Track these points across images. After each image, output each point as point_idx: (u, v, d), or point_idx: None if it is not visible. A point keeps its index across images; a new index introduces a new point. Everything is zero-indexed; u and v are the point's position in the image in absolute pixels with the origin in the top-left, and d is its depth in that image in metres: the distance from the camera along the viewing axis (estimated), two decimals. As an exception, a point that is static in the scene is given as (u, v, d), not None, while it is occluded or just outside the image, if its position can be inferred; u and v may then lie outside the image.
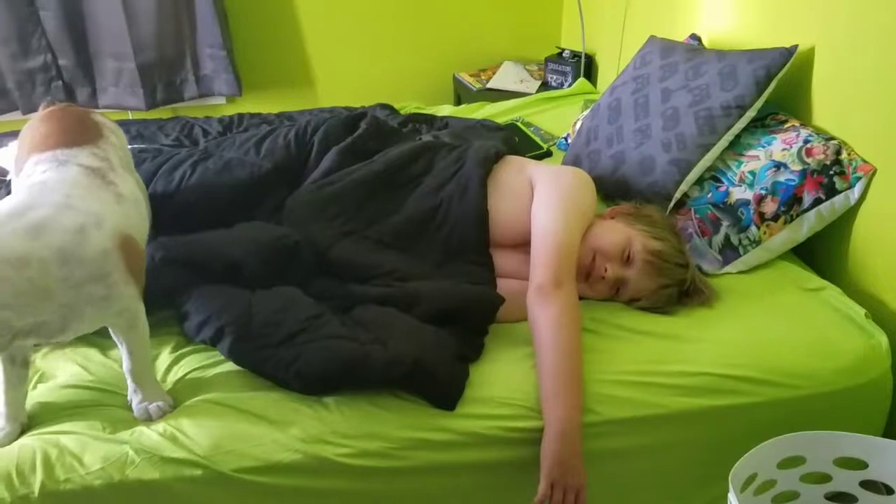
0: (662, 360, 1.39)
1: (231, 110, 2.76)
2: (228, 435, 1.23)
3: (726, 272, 1.65)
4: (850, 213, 1.60)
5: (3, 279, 1.05)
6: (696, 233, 1.67)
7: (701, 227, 1.67)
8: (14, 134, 2.01)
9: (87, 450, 1.20)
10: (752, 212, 1.62)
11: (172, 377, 1.36)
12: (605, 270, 1.51)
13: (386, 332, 1.36)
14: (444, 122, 2.29)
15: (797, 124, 1.69)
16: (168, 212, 1.59)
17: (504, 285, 1.52)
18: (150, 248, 1.45)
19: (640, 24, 2.50)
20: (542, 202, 1.56)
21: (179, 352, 1.41)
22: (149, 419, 1.27)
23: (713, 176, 1.72)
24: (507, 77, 3.04)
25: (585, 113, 2.11)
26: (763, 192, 1.62)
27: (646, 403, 1.34)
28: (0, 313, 1.05)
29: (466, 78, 3.08)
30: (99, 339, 1.38)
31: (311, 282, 1.50)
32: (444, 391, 1.31)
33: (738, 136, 1.71)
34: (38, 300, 1.08)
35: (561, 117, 2.43)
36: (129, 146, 1.59)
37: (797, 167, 1.60)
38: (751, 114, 1.69)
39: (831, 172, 1.57)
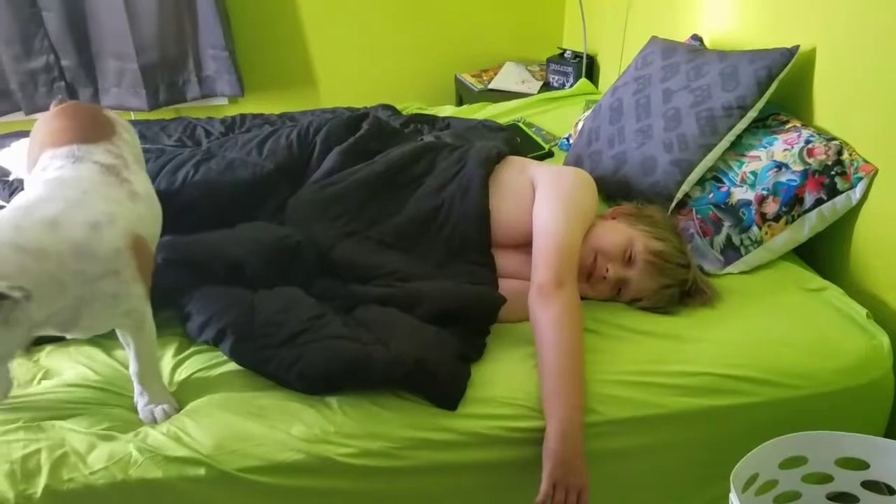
0: (664, 360, 1.39)
1: (233, 111, 2.76)
2: (231, 435, 1.24)
3: (728, 272, 1.65)
4: (852, 214, 1.61)
5: (25, 269, 1.06)
6: (697, 233, 1.67)
7: (702, 228, 1.67)
8: (17, 135, 2.02)
9: (91, 449, 1.20)
10: (753, 212, 1.62)
11: (176, 378, 1.36)
12: (607, 271, 1.51)
13: (388, 332, 1.37)
14: (446, 122, 2.29)
15: (798, 125, 1.70)
16: (171, 211, 1.58)
17: (506, 285, 1.52)
18: (152, 248, 1.46)
19: (642, 24, 2.50)
20: (543, 202, 1.56)
21: (182, 353, 1.42)
22: (154, 422, 1.27)
23: (715, 176, 1.72)
24: (508, 77, 3.04)
25: (587, 113, 2.11)
26: (764, 192, 1.62)
27: (647, 403, 1.34)
28: (24, 303, 1.05)
29: (468, 78, 3.08)
30: (104, 339, 1.39)
31: (312, 282, 1.50)
32: (446, 391, 1.31)
33: (739, 137, 1.71)
34: (54, 292, 1.09)
35: (562, 118, 2.43)
36: (133, 146, 1.60)
37: (798, 167, 1.60)
38: (752, 114, 1.69)
39: (833, 173, 1.58)
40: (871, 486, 1.33)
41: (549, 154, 2.21)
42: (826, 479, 1.34)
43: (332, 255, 1.53)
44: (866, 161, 1.57)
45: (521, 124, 2.37)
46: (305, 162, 1.73)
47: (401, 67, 3.16)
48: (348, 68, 3.12)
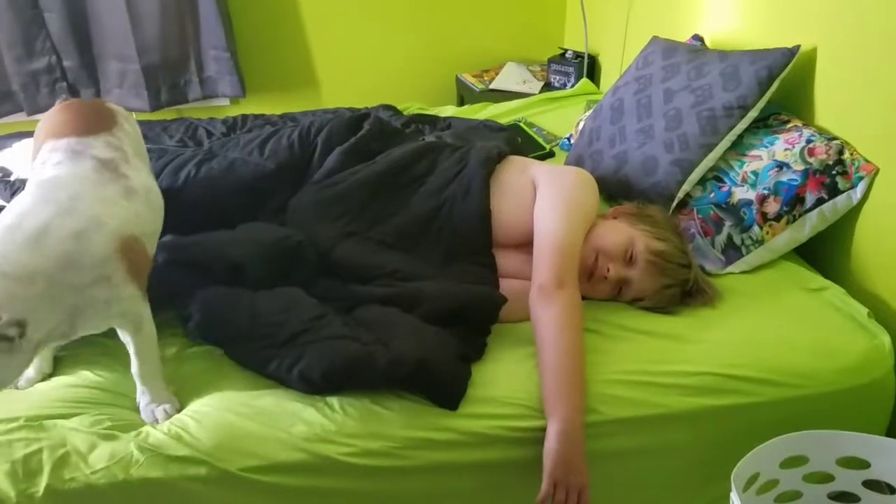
0: (665, 360, 1.39)
1: (235, 112, 2.76)
2: (232, 434, 1.24)
3: (729, 272, 1.65)
4: (853, 213, 1.61)
5: (15, 297, 1.06)
6: (698, 233, 1.67)
7: (703, 228, 1.67)
8: (19, 136, 2.02)
9: (93, 448, 1.20)
10: (754, 212, 1.62)
11: (177, 377, 1.36)
12: (608, 270, 1.51)
13: (388, 332, 1.37)
14: (447, 122, 2.29)
15: (799, 124, 1.69)
16: (172, 211, 1.59)
17: (506, 285, 1.52)
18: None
19: (643, 24, 2.51)
20: (544, 202, 1.56)
21: (184, 352, 1.42)
22: (155, 422, 1.27)
23: (716, 176, 1.72)
24: (509, 78, 3.04)
25: (588, 113, 2.12)
26: (765, 192, 1.62)
27: (648, 403, 1.34)
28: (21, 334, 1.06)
29: (469, 79, 3.08)
30: (106, 339, 1.39)
31: (313, 282, 1.50)
32: (447, 391, 1.31)
33: (740, 137, 1.71)
34: (48, 310, 1.10)
35: (564, 118, 2.43)
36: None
37: (799, 167, 1.60)
38: (753, 114, 1.69)
39: (834, 172, 1.58)
40: (872, 485, 1.33)
41: (551, 154, 2.21)
42: (827, 478, 1.34)
43: (333, 255, 1.53)
44: (867, 160, 1.56)
45: (522, 124, 2.37)
46: (307, 162, 1.73)
47: (402, 68, 3.16)
48: (350, 69, 3.13)
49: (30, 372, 1.34)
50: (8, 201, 1.59)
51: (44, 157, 1.28)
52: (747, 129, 1.71)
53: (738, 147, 1.72)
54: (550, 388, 1.29)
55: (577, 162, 1.94)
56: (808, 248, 1.69)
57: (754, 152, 1.69)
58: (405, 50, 3.14)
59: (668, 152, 1.72)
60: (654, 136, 1.77)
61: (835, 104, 1.67)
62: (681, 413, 1.35)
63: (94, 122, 1.36)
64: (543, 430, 1.27)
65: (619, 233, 1.55)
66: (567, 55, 2.92)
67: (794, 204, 1.60)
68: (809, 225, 1.61)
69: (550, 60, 2.95)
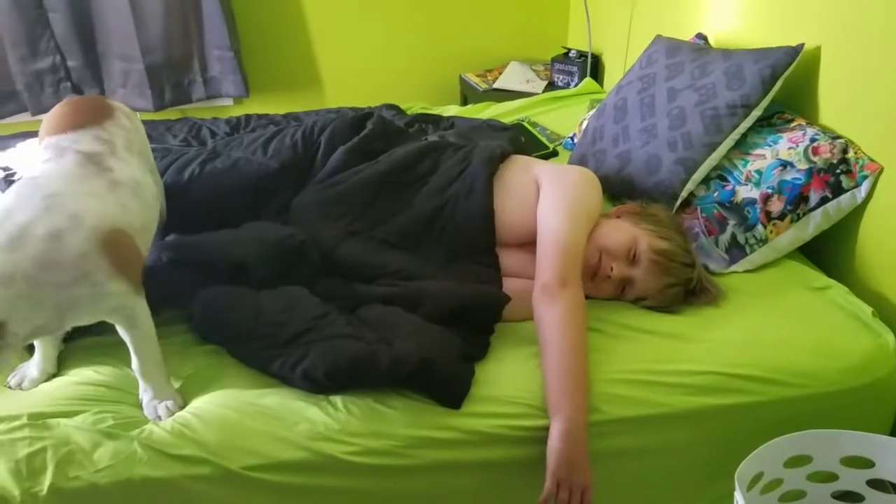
0: (668, 360, 1.39)
1: (238, 111, 2.76)
2: (235, 432, 1.24)
3: (733, 271, 1.65)
4: (857, 212, 1.60)
5: None
6: (702, 232, 1.67)
7: (707, 227, 1.67)
8: (23, 135, 2.03)
9: (96, 447, 1.21)
10: (758, 211, 1.62)
11: (180, 376, 1.37)
12: (611, 270, 1.51)
13: (392, 331, 1.37)
14: (451, 122, 2.29)
15: (803, 123, 1.69)
16: (176, 210, 1.60)
17: (510, 284, 1.52)
18: (157, 247, 1.46)
19: (647, 23, 2.50)
20: (547, 201, 1.56)
21: (187, 351, 1.42)
22: (158, 418, 1.27)
23: (719, 175, 1.71)
24: (513, 77, 3.04)
25: (591, 112, 2.11)
26: (769, 190, 1.62)
27: (651, 402, 1.34)
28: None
29: (473, 78, 3.08)
30: (109, 337, 1.39)
31: (317, 281, 1.50)
32: (450, 390, 1.31)
33: (744, 135, 1.71)
34: (30, 309, 1.10)
35: (567, 117, 2.43)
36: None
37: (803, 166, 1.60)
38: (757, 113, 1.69)
39: (838, 171, 1.57)
40: (876, 484, 1.33)
41: (554, 153, 2.21)
42: (831, 477, 1.33)
43: (336, 254, 1.53)
44: (871, 159, 1.56)
45: (525, 124, 2.37)
46: (310, 161, 1.73)
47: (405, 67, 3.17)
48: (353, 68, 3.13)
49: (33, 373, 1.34)
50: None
51: (38, 154, 1.29)
52: (751, 128, 1.71)
53: (742, 146, 1.71)
54: (554, 388, 1.29)
55: (581, 161, 1.94)
56: (812, 247, 1.69)
57: (758, 151, 1.69)
58: (409, 49, 3.14)
59: (671, 151, 1.72)
60: (657, 135, 1.76)
61: (839, 103, 1.66)
62: (684, 412, 1.34)
63: (86, 117, 1.36)
64: (547, 429, 1.27)
65: (622, 232, 1.55)
66: (570, 54, 2.92)
67: (797, 203, 1.60)
68: (813, 224, 1.61)
69: (554, 60, 2.94)
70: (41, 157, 1.28)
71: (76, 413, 1.26)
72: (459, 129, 2.16)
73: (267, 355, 1.34)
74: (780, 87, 1.69)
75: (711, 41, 2.07)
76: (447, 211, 1.59)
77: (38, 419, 1.25)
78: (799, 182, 1.59)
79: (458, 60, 3.18)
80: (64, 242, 1.12)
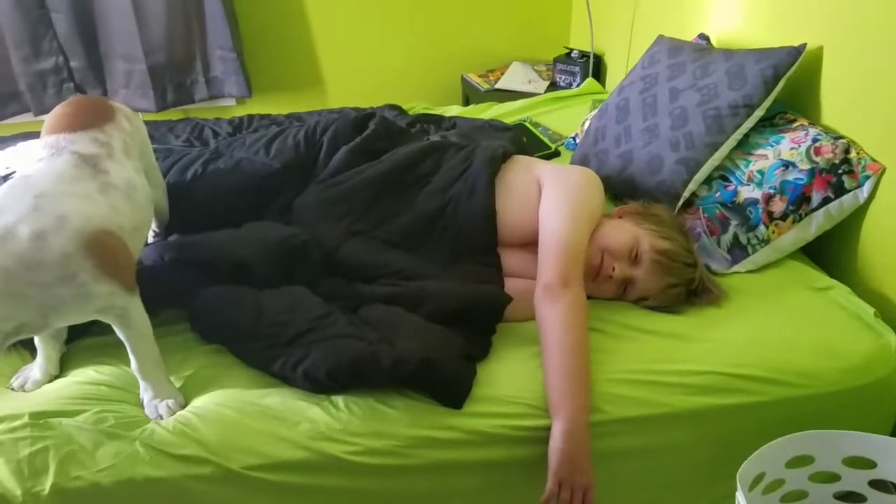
0: (670, 360, 1.39)
1: (241, 112, 2.76)
2: (237, 432, 1.24)
3: (735, 271, 1.65)
4: (859, 212, 1.60)
5: None
6: (704, 232, 1.67)
7: (709, 227, 1.67)
8: (26, 136, 2.03)
9: (98, 446, 1.21)
10: (760, 211, 1.62)
11: (182, 376, 1.37)
12: (613, 270, 1.51)
13: (393, 331, 1.37)
14: (453, 122, 2.29)
15: (806, 123, 1.69)
16: (178, 210, 1.60)
17: (511, 284, 1.52)
18: (158, 247, 1.46)
19: (649, 23, 2.50)
20: (549, 202, 1.56)
21: (188, 350, 1.42)
22: (159, 418, 1.27)
23: (721, 175, 1.71)
24: (515, 77, 3.04)
25: (594, 113, 2.11)
26: (771, 191, 1.61)
27: (653, 402, 1.34)
28: None
29: (475, 78, 3.08)
30: (110, 337, 1.39)
31: (318, 281, 1.50)
32: (452, 390, 1.31)
33: (746, 136, 1.71)
34: (13, 307, 1.10)
35: (569, 117, 2.43)
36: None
37: (806, 166, 1.60)
38: (759, 113, 1.69)
39: (840, 171, 1.57)
40: (878, 485, 1.33)
41: (556, 153, 2.21)
42: (833, 478, 1.33)
43: (338, 254, 1.54)
44: (874, 160, 1.56)
45: (527, 124, 2.36)
46: (312, 161, 1.73)
47: (407, 68, 3.17)
48: (355, 69, 3.13)
49: (36, 374, 1.34)
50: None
51: (35, 153, 1.29)
52: (753, 128, 1.71)
53: (744, 146, 1.71)
54: (555, 388, 1.29)
55: (583, 161, 1.94)
56: (815, 248, 1.68)
57: (760, 151, 1.68)
58: (410, 50, 3.14)
59: (673, 151, 1.72)
60: (659, 135, 1.76)
61: (841, 103, 1.66)
62: (686, 412, 1.34)
63: (87, 118, 1.36)
64: (548, 429, 1.27)
65: (624, 232, 1.55)
66: (572, 55, 2.92)
67: (800, 203, 1.60)
68: (815, 224, 1.61)
69: (556, 60, 2.95)
70: (37, 155, 1.28)
71: (78, 413, 1.26)
72: (461, 130, 2.16)
73: (268, 355, 1.34)
74: (783, 87, 1.69)
75: (713, 41, 2.07)
76: (449, 211, 1.59)
77: (39, 419, 1.25)
78: (801, 182, 1.59)
79: (460, 61, 3.18)
80: (48, 242, 1.11)
